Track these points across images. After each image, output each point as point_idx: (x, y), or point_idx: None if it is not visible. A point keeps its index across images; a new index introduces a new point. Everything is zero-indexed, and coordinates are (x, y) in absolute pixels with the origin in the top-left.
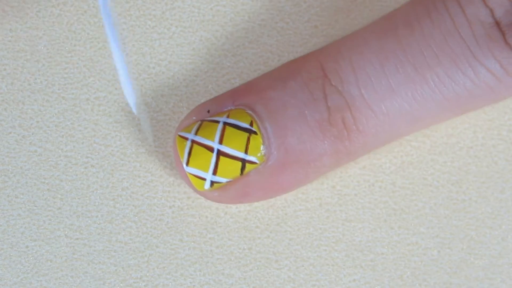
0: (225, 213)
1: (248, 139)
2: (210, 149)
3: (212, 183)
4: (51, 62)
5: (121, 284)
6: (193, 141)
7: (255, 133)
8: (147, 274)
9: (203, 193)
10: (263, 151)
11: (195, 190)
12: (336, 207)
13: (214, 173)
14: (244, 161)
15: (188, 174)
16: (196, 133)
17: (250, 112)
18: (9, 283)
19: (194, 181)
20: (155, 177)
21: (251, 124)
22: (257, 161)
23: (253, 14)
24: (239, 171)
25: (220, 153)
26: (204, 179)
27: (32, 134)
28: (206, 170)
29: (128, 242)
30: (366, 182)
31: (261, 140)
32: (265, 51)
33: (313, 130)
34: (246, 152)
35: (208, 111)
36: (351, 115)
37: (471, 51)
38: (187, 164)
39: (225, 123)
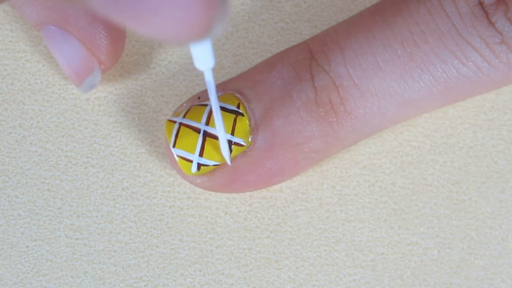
0: (225, 213)
1: (235, 120)
2: (197, 130)
3: (199, 165)
4: (52, 63)
5: (121, 284)
6: (180, 124)
7: (241, 115)
8: (147, 274)
9: (192, 179)
10: (249, 134)
11: (184, 176)
12: (336, 207)
13: (201, 154)
14: (230, 143)
15: (176, 157)
16: (184, 116)
17: (237, 95)
18: (9, 283)
19: (182, 164)
20: (155, 177)
21: (238, 106)
22: (243, 143)
23: (253, 14)
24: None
25: (206, 134)
26: (191, 161)
27: (33, 134)
28: (192, 152)
29: (128, 242)
30: (366, 182)
31: (247, 122)
32: (265, 51)
33: (299, 111)
34: (232, 134)
35: (199, 98)
36: (339, 95)
37: (456, 29)
38: (174, 145)
39: None
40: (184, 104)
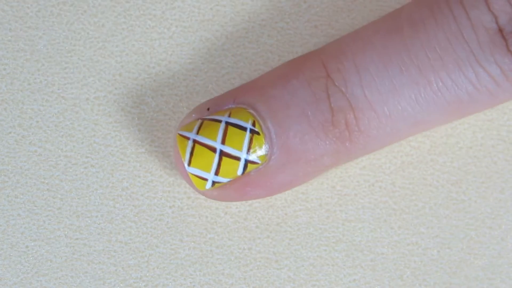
0: (225, 213)
1: (251, 139)
2: (213, 149)
3: (214, 183)
4: (51, 62)
5: (121, 284)
6: (195, 141)
7: (257, 133)
8: (147, 274)
9: (202, 192)
10: (265, 152)
11: (195, 189)
12: (336, 207)
13: (216, 173)
14: (246, 162)
15: (189, 174)
16: (197, 133)
17: (251, 111)
18: (9, 283)
19: (196, 181)
20: (155, 177)
21: (253, 124)
22: (259, 161)
23: (253, 14)
24: (241, 171)
25: (222, 154)
26: (206, 180)
27: (32, 134)
28: (208, 171)
29: (128, 242)
30: (366, 182)
31: (263, 141)
32: (265, 51)
33: (315, 131)
34: (248, 152)
35: (208, 109)
36: (354, 116)
37: (474, 55)
38: (189, 164)
39: (227, 123)
40: (193, 115)
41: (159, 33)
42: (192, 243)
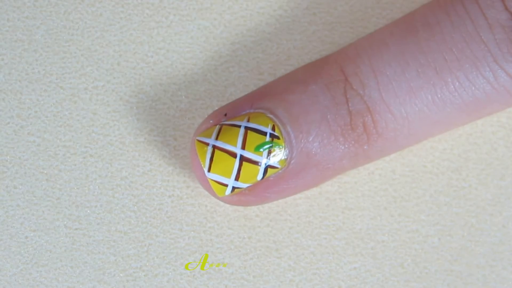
0: None
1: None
2: (233, 154)
3: (233, 188)
4: (49, 52)
5: (121, 274)
6: (214, 147)
7: (277, 137)
8: (147, 264)
9: (222, 198)
10: (284, 156)
11: (214, 195)
12: (336, 195)
13: (237, 179)
14: (266, 167)
15: (209, 180)
16: (217, 138)
17: (271, 116)
18: (8, 273)
19: (215, 187)
20: (154, 166)
21: (273, 129)
22: (279, 166)
23: (251, 1)
24: (261, 176)
25: (243, 159)
26: (226, 185)
27: (31, 124)
28: (228, 176)
29: (128, 232)
30: (365, 170)
31: (283, 145)
32: (263, 38)
33: (335, 135)
34: (268, 157)
35: (225, 115)
36: (372, 119)
37: (492, 55)
38: (209, 170)
39: (246, 128)
40: (211, 121)
41: (157, 22)
42: (192, 232)
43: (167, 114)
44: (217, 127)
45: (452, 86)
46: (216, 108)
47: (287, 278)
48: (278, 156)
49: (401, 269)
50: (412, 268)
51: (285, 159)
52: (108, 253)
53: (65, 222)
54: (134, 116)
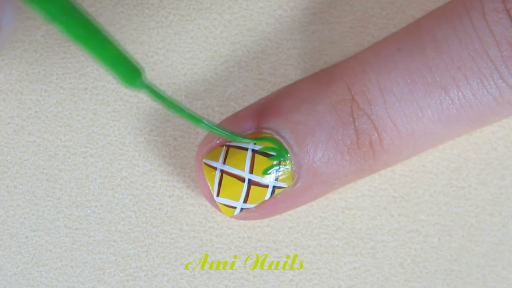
0: None
1: (279, 167)
2: (241, 179)
3: (242, 209)
4: (49, 52)
5: (121, 274)
6: (222, 171)
7: (284, 160)
8: (147, 264)
9: (230, 217)
10: (292, 177)
11: (222, 214)
12: (335, 195)
13: (245, 201)
14: (274, 188)
15: (218, 204)
16: (224, 162)
17: (277, 137)
18: (9, 273)
19: (224, 209)
20: (154, 166)
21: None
22: (286, 186)
23: (251, 1)
24: (269, 196)
25: (251, 183)
26: (234, 208)
27: (31, 124)
28: (237, 200)
29: (128, 232)
30: None
31: (291, 167)
32: (263, 38)
33: (341, 154)
34: (276, 179)
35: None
36: (378, 136)
37: (498, 72)
38: (218, 195)
39: (253, 151)
40: (217, 141)
41: (157, 22)
42: (192, 232)
43: (167, 114)
44: (224, 149)
45: (458, 104)
46: (216, 108)
47: (287, 278)
48: (285, 177)
49: (401, 269)
50: (412, 268)
51: (292, 179)
52: (108, 253)
53: (65, 222)
54: (134, 116)
